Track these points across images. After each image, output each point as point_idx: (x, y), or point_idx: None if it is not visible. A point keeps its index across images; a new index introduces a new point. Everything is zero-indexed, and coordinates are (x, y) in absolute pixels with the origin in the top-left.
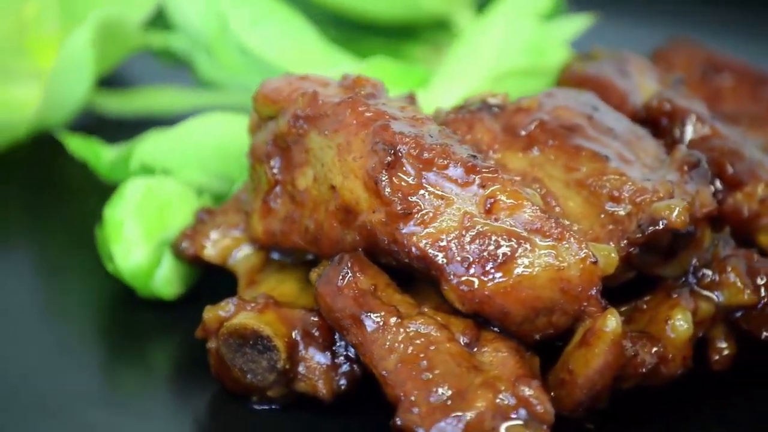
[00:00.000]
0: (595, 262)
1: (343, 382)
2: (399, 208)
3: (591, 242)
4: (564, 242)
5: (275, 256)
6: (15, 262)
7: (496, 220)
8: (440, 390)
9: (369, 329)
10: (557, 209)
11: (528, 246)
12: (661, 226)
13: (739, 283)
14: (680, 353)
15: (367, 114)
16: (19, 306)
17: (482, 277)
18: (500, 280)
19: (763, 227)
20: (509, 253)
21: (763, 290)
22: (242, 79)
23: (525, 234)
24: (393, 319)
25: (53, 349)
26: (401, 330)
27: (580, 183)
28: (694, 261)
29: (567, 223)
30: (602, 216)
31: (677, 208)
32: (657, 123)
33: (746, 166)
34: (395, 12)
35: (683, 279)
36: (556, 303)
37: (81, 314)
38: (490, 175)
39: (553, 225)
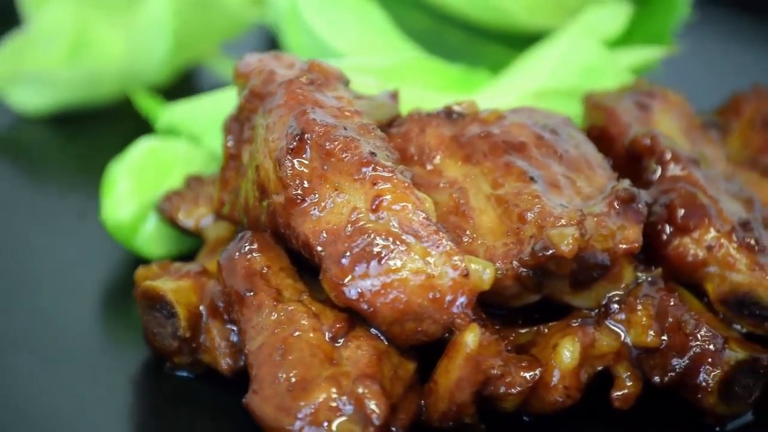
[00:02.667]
0: (467, 275)
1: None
2: (295, 193)
3: (470, 256)
4: (439, 250)
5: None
6: None
7: (380, 218)
8: (286, 376)
9: (247, 308)
10: (471, 221)
11: (404, 249)
12: (548, 253)
13: (644, 324)
14: (562, 382)
15: (296, 98)
16: None
17: (353, 273)
18: (371, 278)
19: (708, 276)
20: (384, 254)
21: (666, 334)
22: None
23: (404, 237)
24: (270, 302)
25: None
26: (273, 313)
27: (499, 199)
28: (609, 295)
29: (468, 234)
30: (507, 234)
31: (568, 237)
32: (640, 158)
33: (700, 212)
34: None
35: (596, 311)
36: (425, 310)
37: None
38: (383, 173)
39: (432, 232)
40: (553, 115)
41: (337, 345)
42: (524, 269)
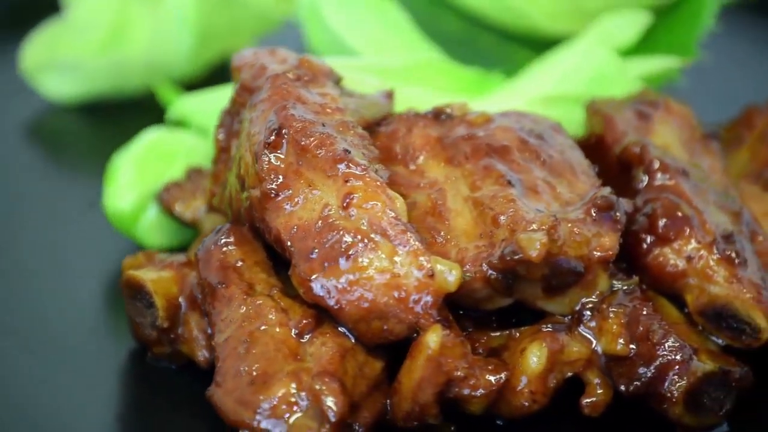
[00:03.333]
0: (432, 276)
1: None
2: (269, 187)
3: (436, 257)
4: (406, 249)
5: None
6: None
7: (351, 216)
8: (248, 369)
9: (218, 300)
10: (446, 223)
11: (372, 247)
12: (517, 257)
13: (614, 332)
14: (528, 386)
15: (280, 93)
16: None
17: (321, 270)
18: (338, 275)
19: (688, 286)
20: (352, 251)
21: (635, 343)
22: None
23: (372, 235)
24: (240, 295)
25: None
26: (242, 307)
27: (476, 202)
28: (582, 302)
29: (442, 235)
30: (481, 236)
31: (537, 242)
32: (630, 166)
33: (681, 223)
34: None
35: (570, 317)
36: (391, 309)
37: None
38: (355, 171)
39: (400, 231)
40: (543, 120)
41: (302, 341)
42: (493, 272)
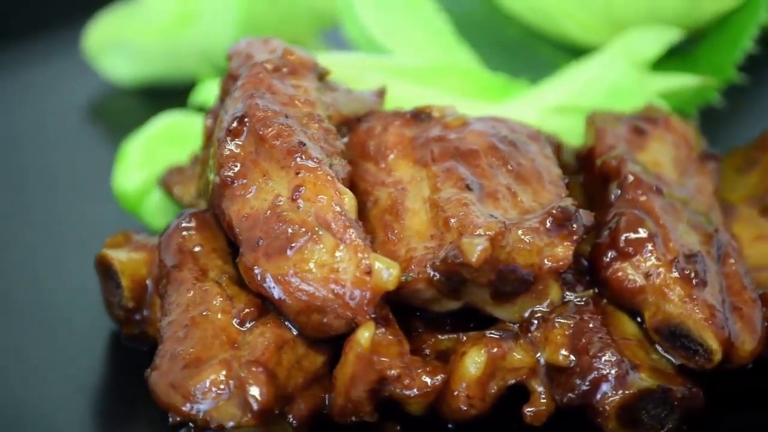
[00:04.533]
0: (369, 273)
1: None
2: (227, 174)
3: (377, 254)
4: (347, 245)
5: None
6: None
7: (299, 208)
8: (183, 354)
9: (171, 283)
10: (402, 222)
11: (315, 240)
12: (457, 260)
13: (558, 342)
14: (466, 391)
15: (252, 82)
16: None
17: (265, 260)
18: (279, 268)
19: (646, 303)
20: (295, 243)
21: (576, 355)
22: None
23: (317, 228)
24: (191, 280)
25: None
26: (190, 291)
27: (433, 203)
28: (532, 310)
29: (396, 234)
30: (432, 237)
31: (477, 247)
32: (608, 179)
33: (642, 240)
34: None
35: (519, 325)
36: (329, 304)
37: None
38: (308, 164)
39: (344, 227)
40: (521, 128)
41: (243, 329)
42: (436, 274)
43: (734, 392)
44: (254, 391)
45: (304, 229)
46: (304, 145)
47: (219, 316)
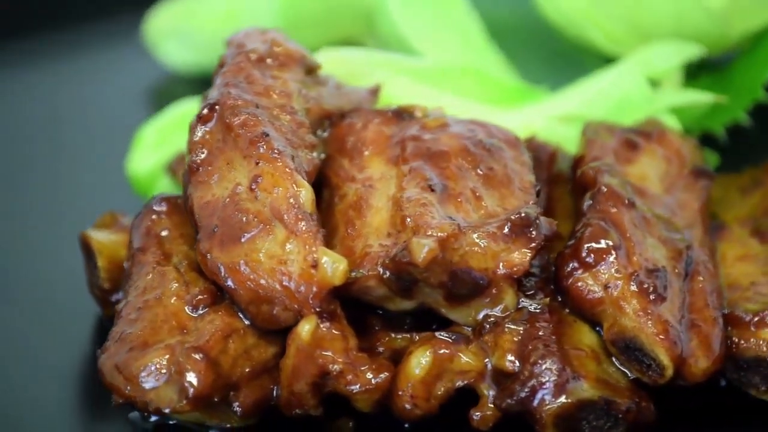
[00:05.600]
0: (315, 266)
1: None
2: (194, 160)
3: (326, 249)
4: (297, 238)
5: None
6: None
7: (257, 198)
8: (132, 336)
9: (135, 265)
10: (363, 218)
11: (267, 231)
12: (404, 259)
13: (506, 348)
14: (410, 391)
15: (232, 70)
16: None
17: (219, 248)
18: (231, 256)
19: (604, 315)
20: (248, 233)
21: (519, 362)
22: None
23: (271, 219)
24: (152, 263)
25: None
26: (150, 275)
27: (396, 202)
28: (485, 314)
29: (356, 230)
30: (388, 236)
31: (425, 247)
32: (585, 189)
33: (604, 251)
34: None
35: (472, 328)
36: (277, 295)
37: None
38: (268, 154)
39: (297, 219)
40: (500, 133)
41: (194, 315)
42: (387, 272)
43: (695, 410)
44: (191, 377)
45: (257, 220)
46: (268, 135)
47: (172, 300)
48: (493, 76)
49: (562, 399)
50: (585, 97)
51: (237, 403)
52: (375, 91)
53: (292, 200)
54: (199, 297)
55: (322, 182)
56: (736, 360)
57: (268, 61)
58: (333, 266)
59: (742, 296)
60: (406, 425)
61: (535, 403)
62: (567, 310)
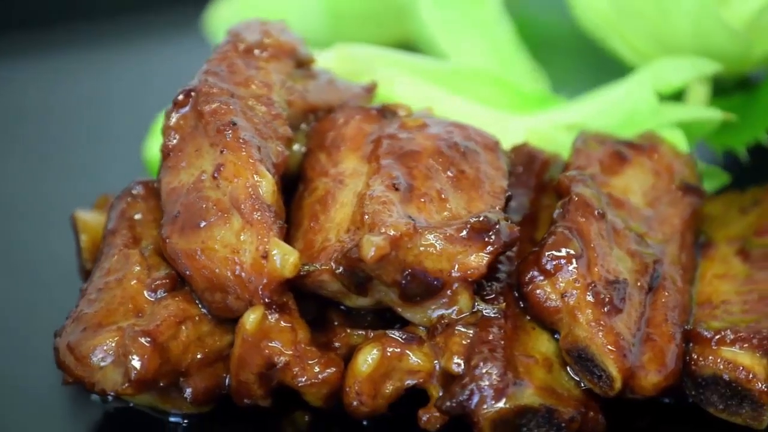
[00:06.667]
0: (265, 257)
1: None
2: (166, 144)
3: (279, 241)
4: (252, 228)
5: None
6: None
7: (218, 186)
8: (88, 316)
9: (105, 246)
10: (328, 213)
11: (225, 220)
12: (354, 256)
13: (454, 350)
14: (356, 387)
15: (217, 58)
16: None
17: (179, 234)
18: (189, 243)
19: (561, 323)
20: (206, 221)
21: (464, 365)
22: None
23: (229, 208)
24: (119, 245)
25: None
26: (115, 256)
27: (361, 197)
28: (439, 315)
29: (319, 223)
30: (348, 231)
31: (374, 245)
32: (561, 196)
33: (563, 260)
34: None
35: (427, 329)
36: (230, 284)
37: None
38: (233, 143)
39: (253, 209)
40: (479, 137)
41: (152, 300)
42: (340, 268)
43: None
44: (135, 360)
45: (216, 208)
46: (235, 124)
47: (132, 283)
48: (511, 81)
49: (501, 404)
50: (594, 107)
51: (190, 390)
52: (370, 89)
53: (251, 190)
54: (158, 282)
55: (300, 176)
56: (694, 377)
57: (256, 51)
58: (283, 258)
59: (710, 314)
60: (365, 423)
61: (474, 406)
62: (528, 317)
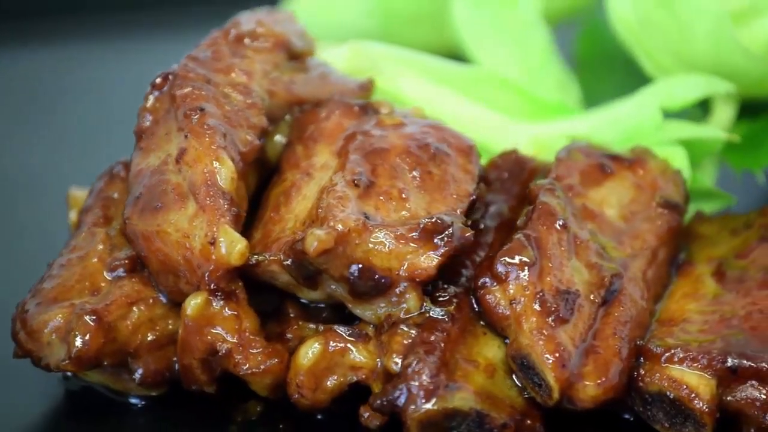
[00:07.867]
0: (213, 244)
1: None
2: (140, 125)
3: (229, 228)
4: (205, 215)
5: None
6: None
7: (179, 171)
8: (45, 291)
9: (78, 224)
10: (289, 205)
11: (181, 205)
12: (298, 248)
13: (395, 350)
14: (296, 379)
15: (207, 45)
16: None
17: (138, 215)
18: (146, 224)
19: (509, 329)
20: (163, 204)
21: (399, 364)
22: None
23: (186, 192)
24: (89, 223)
25: None
26: (83, 235)
27: (322, 190)
28: (387, 313)
29: (279, 214)
30: (303, 224)
31: (316, 238)
32: (531, 204)
33: (514, 267)
34: None
35: (375, 326)
36: (180, 269)
37: None
38: (197, 129)
39: (209, 195)
40: (454, 140)
41: (110, 279)
42: (288, 260)
43: None
44: (78, 339)
45: (175, 192)
46: (203, 110)
47: (93, 261)
48: (527, 89)
49: (429, 405)
50: (599, 120)
51: (140, 371)
52: (365, 86)
53: (208, 176)
54: (118, 262)
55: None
56: (641, 393)
57: (246, 40)
58: (229, 245)
59: (667, 331)
60: (319, 417)
61: (401, 406)
62: (482, 323)
